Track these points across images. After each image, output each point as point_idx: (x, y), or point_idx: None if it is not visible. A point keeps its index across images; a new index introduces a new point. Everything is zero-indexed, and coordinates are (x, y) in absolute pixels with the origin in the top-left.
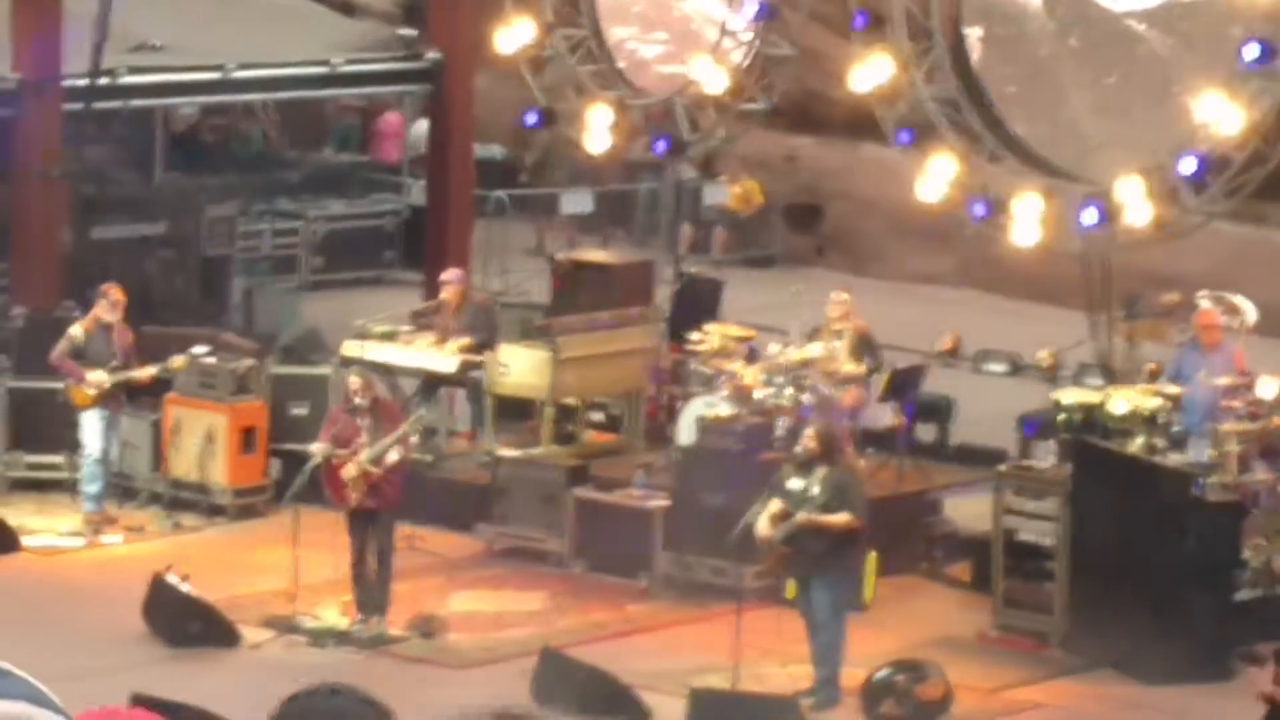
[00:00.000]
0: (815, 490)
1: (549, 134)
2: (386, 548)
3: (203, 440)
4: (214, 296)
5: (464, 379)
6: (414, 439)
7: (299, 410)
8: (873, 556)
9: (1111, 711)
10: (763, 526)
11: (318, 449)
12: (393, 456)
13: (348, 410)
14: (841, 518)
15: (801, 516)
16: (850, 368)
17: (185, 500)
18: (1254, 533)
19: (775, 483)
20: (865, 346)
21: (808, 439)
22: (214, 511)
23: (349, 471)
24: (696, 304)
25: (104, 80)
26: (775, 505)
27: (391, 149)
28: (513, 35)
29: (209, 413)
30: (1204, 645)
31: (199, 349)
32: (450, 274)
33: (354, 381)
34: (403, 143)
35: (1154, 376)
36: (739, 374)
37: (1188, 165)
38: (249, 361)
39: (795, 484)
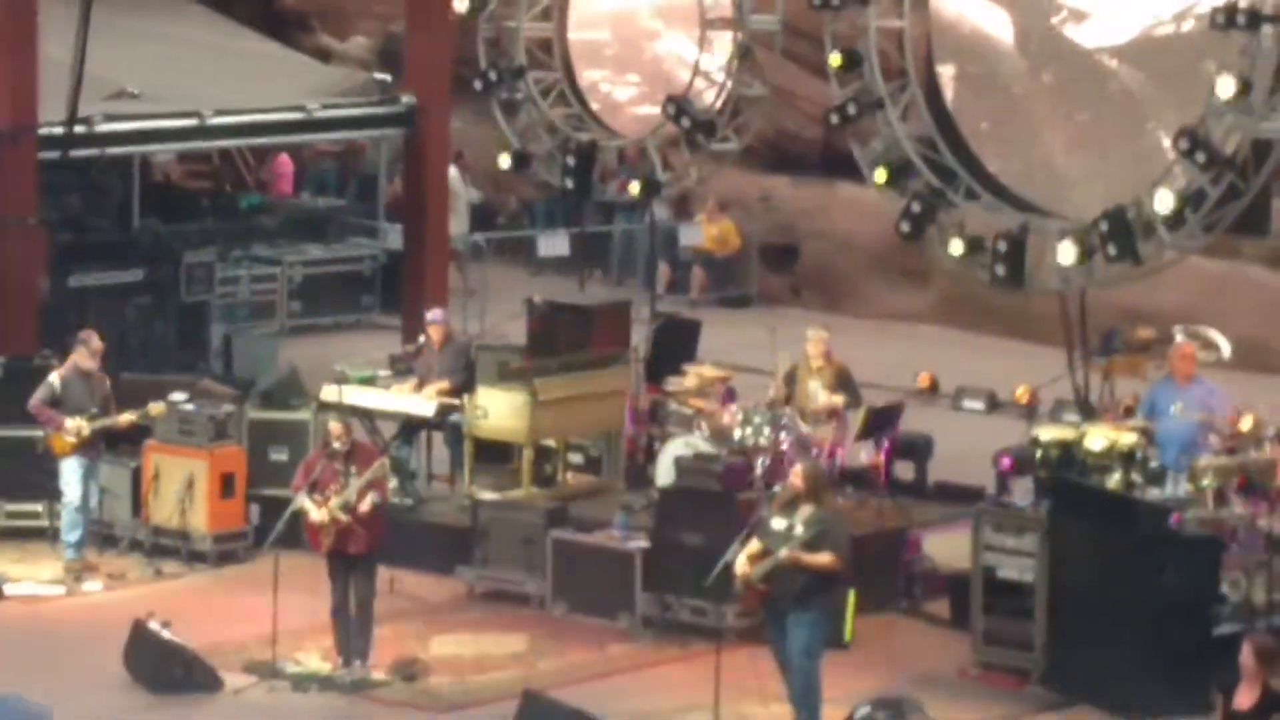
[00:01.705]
0: (799, 529)
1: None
2: (367, 592)
3: (182, 486)
4: (192, 343)
5: (442, 422)
6: (390, 484)
7: (278, 455)
8: (853, 594)
9: None
10: (741, 564)
11: (300, 498)
12: (366, 504)
13: (326, 455)
14: (824, 558)
15: (784, 554)
16: (828, 404)
17: (166, 547)
18: (1233, 567)
19: (757, 522)
20: (843, 384)
21: (795, 477)
22: (194, 558)
23: (320, 517)
24: (674, 344)
25: (81, 128)
26: (754, 545)
27: (285, 187)
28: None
29: (188, 459)
30: (1184, 680)
31: (178, 395)
32: (434, 313)
33: (333, 426)
34: (292, 179)
35: (1129, 412)
36: (717, 414)
37: (1162, 201)
38: (228, 407)
39: (778, 523)
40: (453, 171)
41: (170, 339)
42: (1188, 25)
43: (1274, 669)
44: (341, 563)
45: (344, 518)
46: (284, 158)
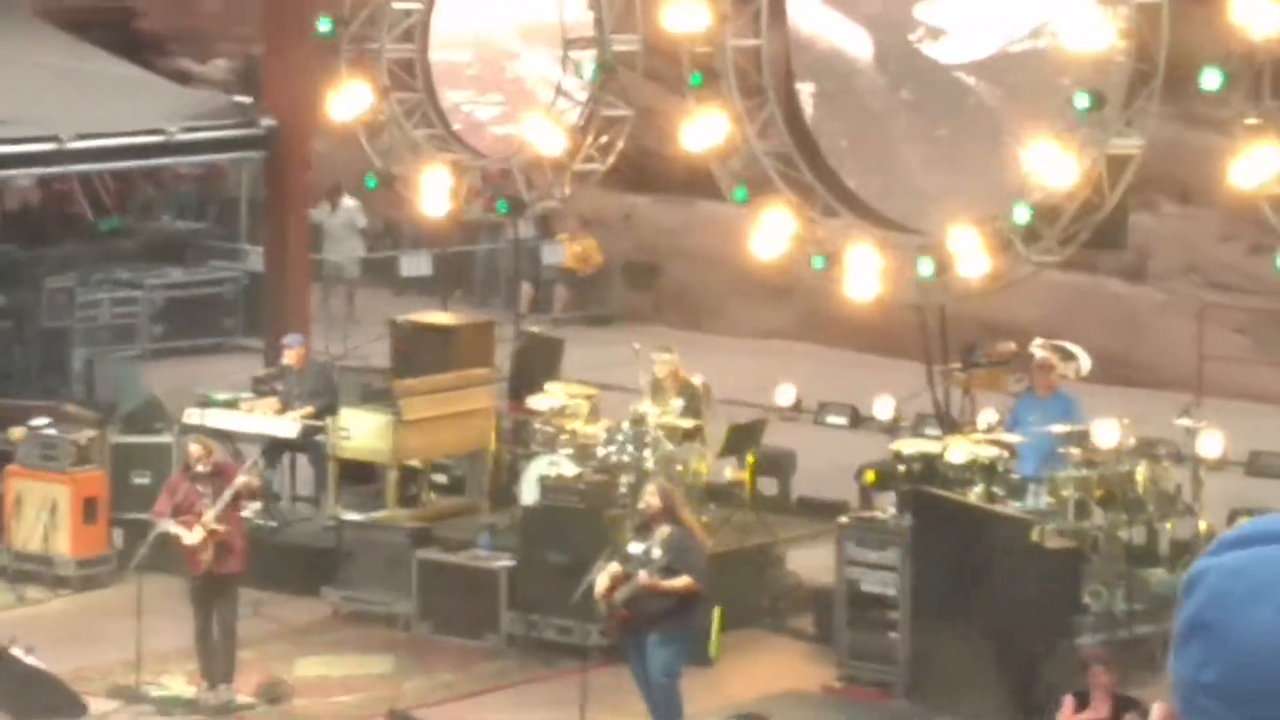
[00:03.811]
0: (656, 553)
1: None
2: (230, 615)
3: (45, 511)
4: (54, 367)
5: (306, 444)
6: (255, 481)
7: (141, 479)
8: (718, 611)
9: None
10: (601, 588)
11: (164, 524)
12: (245, 511)
13: (188, 478)
14: (681, 581)
15: (642, 578)
16: (687, 424)
17: (28, 572)
18: (1094, 578)
19: (616, 545)
20: (700, 401)
21: (649, 496)
22: (58, 583)
23: (193, 536)
24: (537, 363)
25: None
26: (615, 567)
27: None
28: (349, 100)
29: (51, 484)
30: (1047, 690)
31: (39, 420)
32: (290, 338)
33: (194, 449)
34: None
35: (990, 426)
36: (580, 432)
37: (1020, 215)
38: (90, 432)
39: (636, 546)
40: (350, 202)
41: (32, 364)
42: (1043, 42)
43: (1116, 675)
44: (205, 586)
45: (220, 528)
46: None
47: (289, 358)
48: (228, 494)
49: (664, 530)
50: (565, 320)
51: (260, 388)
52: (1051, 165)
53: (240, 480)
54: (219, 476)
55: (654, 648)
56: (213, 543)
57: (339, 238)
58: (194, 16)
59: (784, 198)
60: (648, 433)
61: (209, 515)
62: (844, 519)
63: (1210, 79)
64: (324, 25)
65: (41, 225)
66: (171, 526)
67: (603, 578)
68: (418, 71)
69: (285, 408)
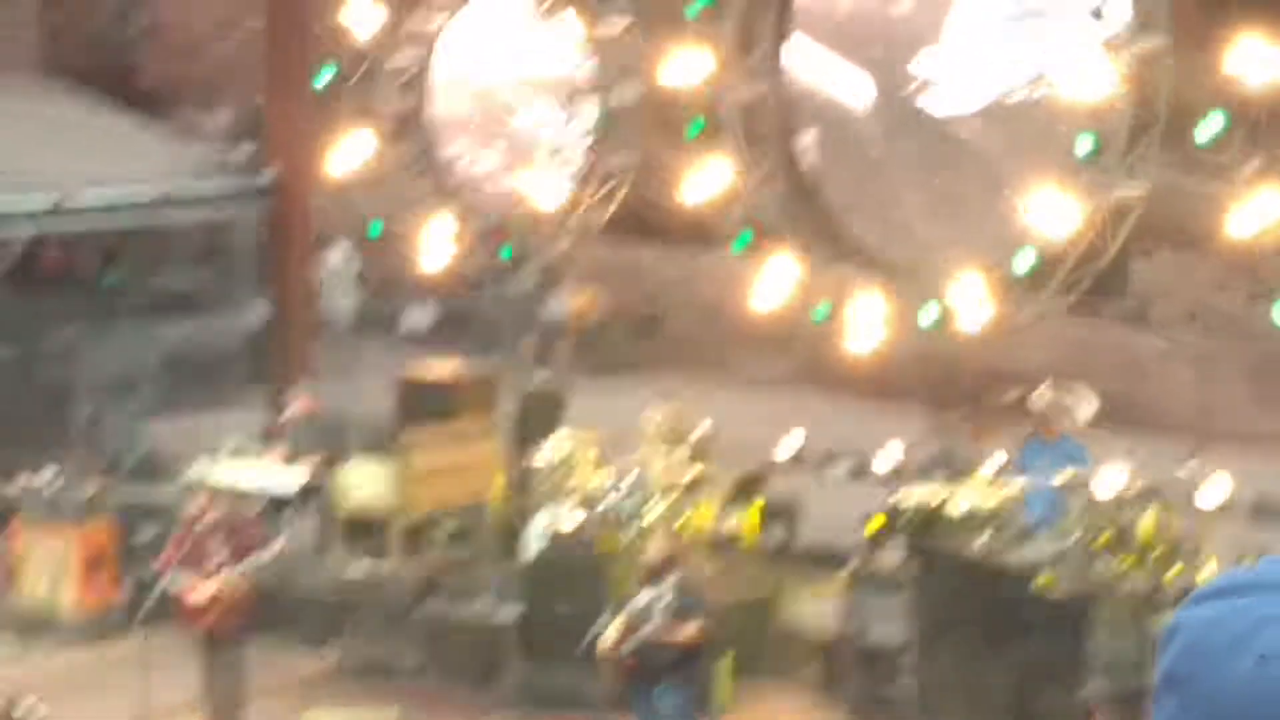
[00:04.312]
0: (663, 602)
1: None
2: (238, 669)
3: (51, 564)
4: (58, 421)
5: (312, 496)
6: (264, 537)
7: (147, 532)
8: (728, 659)
9: None
10: (609, 640)
11: (171, 577)
12: (247, 577)
13: (196, 531)
14: (689, 629)
15: (649, 629)
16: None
17: (35, 625)
18: (1101, 626)
19: (622, 595)
20: (704, 451)
21: (654, 547)
22: (64, 635)
23: (200, 592)
24: (541, 415)
25: None
26: (621, 618)
27: None
28: (349, 152)
29: (57, 538)
30: None
31: (45, 474)
32: (298, 390)
33: (202, 502)
34: None
35: (996, 473)
36: (584, 483)
37: (1022, 262)
38: (96, 484)
39: (643, 597)
40: (347, 253)
41: (35, 418)
42: (1040, 92)
43: None
44: (212, 639)
45: (227, 585)
46: None
47: (297, 409)
48: (236, 550)
49: (671, 579)
50: (568, 372)
51: (266, 440)
52: (1053, 213)
53: (255, 557)
54: (227, 529)
55: (662, 698)
56: (220, 598)
57: (337, 288)
58: (196, 70)
59: (787, 246)
60: (652, 483)
61: (217, 571)
62: (849, 568)
63: (1209, 127)
64: (325, 77)
65: (44, 279)
66: (178, 580)
67: (611, 630)
68: (418, 124)
69: (292, 459)
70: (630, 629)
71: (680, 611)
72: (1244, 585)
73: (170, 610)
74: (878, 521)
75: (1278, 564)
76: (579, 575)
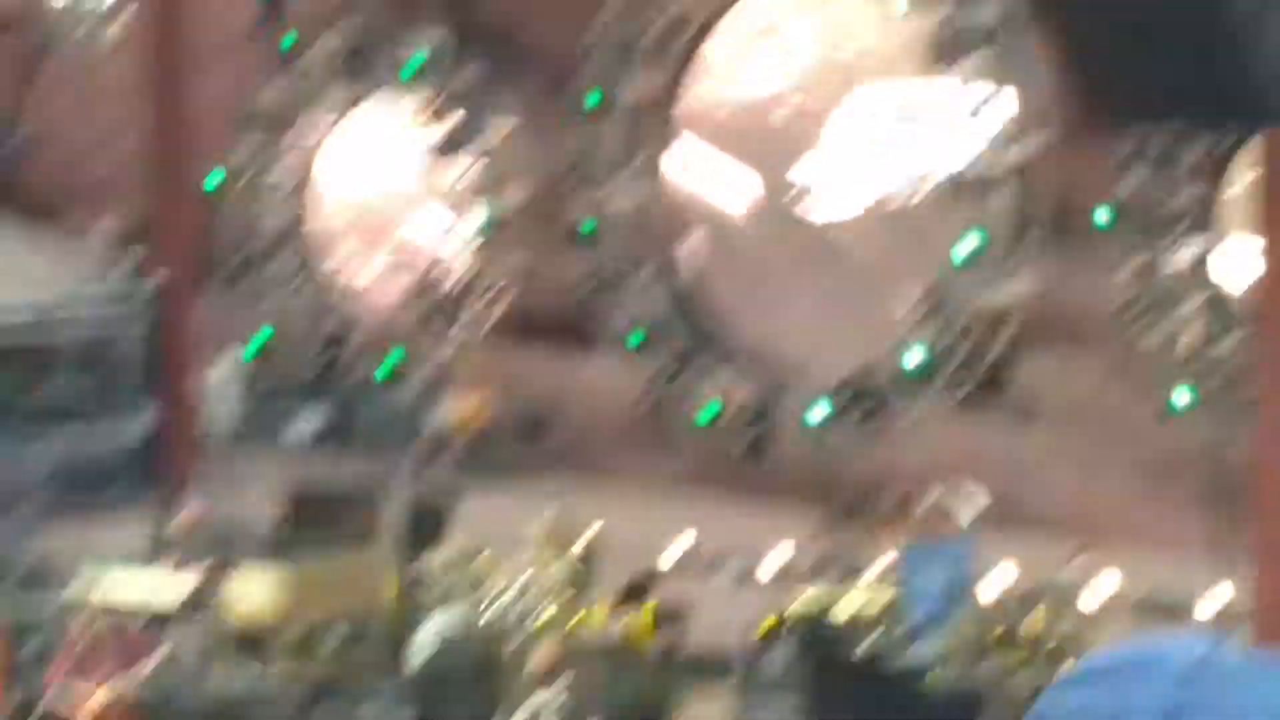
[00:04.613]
0: (557, 704)
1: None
2: None
3: None
4: None
5: (199, 605)
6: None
7: (33, 643)
8: None
9: None
10: None
11: (57, 691)
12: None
13: (84, 644)
14: None
15: None
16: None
17: None
18: None
19: (516, 701)
20: (592, 555)
21: (543, 651)
22: None
23: (90, 706)
24: (429, 520)
25: None
26: None
27: None
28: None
29: None
30: None
31: None
32: (185, 499)
33: (88, 615)
34: None
35: (884, 573)
36: (473, 588)
37: (908, 362)
38: None
39: (535, 699)
40: (231, 360)
41: None
42: (919, 195)
43: None
44: None
45: (113, 703)
46: None
47: (184, 518)
48: (123, 662)
49: (561, 683)
50: (456, 477)
51: (154, 549)
52: (935, 314)
53: (136, 646)
54: (113, 641)
55: None
56: (108, 712)
57: (223, 396)
58: (82, 177)
59: (672, 349)
60: (541, 587)
61: (100, 694)
62: (738, 673)
63: (1100, 218)
64: (214, 181)
65: None
66: (65, 694)
67: None
68: (301, 235)
69: (180, 568)
70: None
71: (572, 715)
72: (1105, 670)
73: None
74: (769, 624)
75: (1134, 650)
76: (470, 680)
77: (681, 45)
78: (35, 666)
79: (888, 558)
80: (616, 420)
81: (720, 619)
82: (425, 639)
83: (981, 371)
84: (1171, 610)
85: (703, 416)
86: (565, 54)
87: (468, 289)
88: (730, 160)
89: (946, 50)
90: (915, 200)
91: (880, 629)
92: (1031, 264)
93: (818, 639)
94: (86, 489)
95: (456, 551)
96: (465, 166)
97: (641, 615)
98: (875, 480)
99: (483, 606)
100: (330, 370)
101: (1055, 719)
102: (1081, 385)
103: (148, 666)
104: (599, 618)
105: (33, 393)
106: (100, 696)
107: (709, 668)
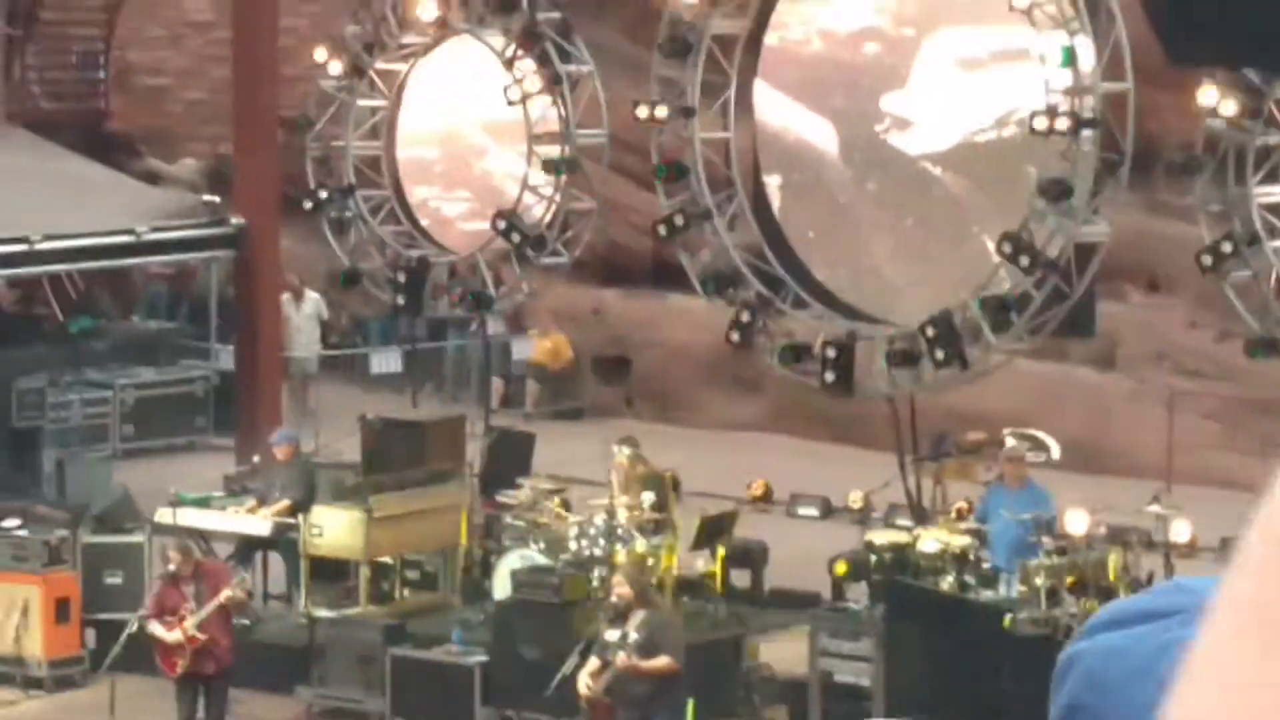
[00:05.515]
0: (633, 636)
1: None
2: (220, 713)
3: (16, 613)
4: (25, 468)
5: (279, 541)
6: (240, 595)
7: (113, 579)
8: (691, 704)
9: None
10: (584, 684)
11: (138, 620)
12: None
13: (169, 578)
14: (661, 661)
15: (621, 661)
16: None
17: (1, 674)
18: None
19: (592, 635)
20: (669, 493)
21: (618, 586)
22: (30, 684)
23: (173, 638)
24: (508, 458)
25: None
26: (593, 662)
27: None
28: (316, 197)
29: (22, 585)
30: None
31: (10, 521)
32: (280, 434)
33: (171, 553)
34: None
35: (962, 515)
36: (552, 526)
37: (989, 304)
38: (61, 532)
39: (612, 634)
40: (313, 296)
41: (2, 464)
42: (1008, 131)
43: None
44: (191, 686)
45: (200, 636)
46: None
47: (279, 454)
48: (212, 604)
49: (639, 615)
50: (535, 415)
51: (232, 485)
52: (1018, 255)
53: (225, 594)
54: (201, 578)
55: None
56: (191, 648)
57: (303, 333)
58: (163, 117)
59: (753, 289)
60: (619, 526)
61: (190, 621)
62: (817, 610)
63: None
64: (298, 115)
65: (11, 326)
66: (157, 629)
67: (583, 676)
68: (384, 168)
69: (261, 504)
70: (601, 669)
71: (647, 649)
72: (1141, 613)
73: (137, 657)
74: (844, 566)
75: (1173, 589)
76: (546, 618)
77: None
78: (118, 600)
79: (968, 499)
80: (698, 360)
81: (799, 558)
82: (505, 574)
83: (1064, 313)
84: None
85: (784, 356)
86: None
87: (549, 226)
88: (816, 96)
89: None
90: (1003, 135)
91: (959, 569)
92: (1115, 205)
93: (897, 579)
94: (168, 426)
95: (536, 488)
96: (549, 102)
97: (720, 553)
98: (956, 423)
99: (561, 544)
100: (412, 306)
101: (1092, 660)
102: (1164, 327)
103: (244, 615)
104: (677, 555)
105: (116, 330)
106: (186, 634)
107: (786, 605)
